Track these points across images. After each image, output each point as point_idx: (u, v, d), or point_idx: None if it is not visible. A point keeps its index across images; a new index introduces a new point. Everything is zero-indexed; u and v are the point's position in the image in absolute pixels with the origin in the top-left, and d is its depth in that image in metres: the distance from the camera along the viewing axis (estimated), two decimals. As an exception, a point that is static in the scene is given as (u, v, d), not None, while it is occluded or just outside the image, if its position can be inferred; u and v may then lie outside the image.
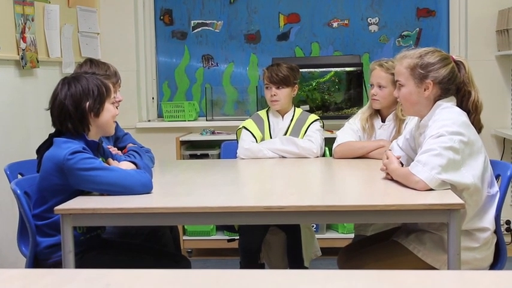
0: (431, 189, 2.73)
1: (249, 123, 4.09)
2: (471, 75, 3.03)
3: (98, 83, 2.96)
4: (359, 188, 2.93)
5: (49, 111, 2.95)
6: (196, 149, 5.27)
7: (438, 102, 2.95)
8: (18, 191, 2.90)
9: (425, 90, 2.95)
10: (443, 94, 2.96)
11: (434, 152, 2.75)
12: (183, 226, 5.20)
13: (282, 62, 4.14)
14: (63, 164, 2.75)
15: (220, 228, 5.14)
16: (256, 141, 4.01)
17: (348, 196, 2.90)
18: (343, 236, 5.02)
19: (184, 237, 5.22)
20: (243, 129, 4.05)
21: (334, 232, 5.19)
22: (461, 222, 2.80)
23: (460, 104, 2.99)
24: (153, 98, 5.76)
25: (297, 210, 2.63)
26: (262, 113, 4.16)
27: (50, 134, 2.96)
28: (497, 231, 2.96)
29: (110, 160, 3.05)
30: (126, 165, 3.00)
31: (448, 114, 2.89)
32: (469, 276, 1.81)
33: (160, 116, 5.76)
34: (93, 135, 2.96)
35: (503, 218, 5.21)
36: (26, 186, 3.00)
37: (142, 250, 3.21)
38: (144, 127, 5.53)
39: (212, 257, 5.24)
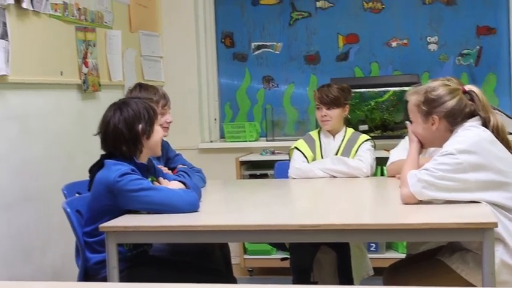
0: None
1: (301, 143, 4.14)
2: (486, 102, 3.06)
3: (146, 106, 3.10)
4: (395, 207, 2.95)
5: (99, 135, 3.09)
6: (256, 169, 5.35)
7: (464, 124, 3.00)
8: (69, 210, 3.06)
9: (432, 124, 3.03)
10: (453, 125, 3.02)
11: (437, 174, 2.84)
12: (244, 245, 5.29)
13: (333, 83, 4.20)
14: (112, 185, 2.88)
15: (274, 247, 5.19)
16: (308, 161, 4.06)
17: (381, 215, 2.93)
18: (402, 255, 4.99)
19: (245, 256, 5.31)
20: (295, 150, 4.11)
21: (394, 252, 5.18)
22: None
23: None
24: (215, 119, 5.89)
25: (334, 228, 2.68)
26: (313, 134, 4.21)
27: (101, 155, 3.10)
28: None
29: (161, 179, 3.16)
30: (176, 185, 3.10)
31: (467, 132, 2.92)
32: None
33: (222, 136, 5.88)
34: (143, 157, 3.09)
35: None
36: (78, 205, 3.15)
37: (189, 267, 3.31)
38: (206, 148, 5.66)
39: (273, 276, 5.30)
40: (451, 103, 3.01)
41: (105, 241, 2.86)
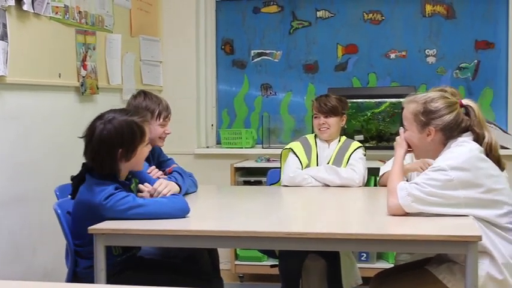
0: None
1: (297, 146, 4.17)
2: (481, 118, 3.07)
3: (134, 129, 2.99)
4: (383, 217, 2.98)
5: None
6: (251, 176, 5.38)
7: (457, 139, 3.02)
8: (59, 211, 3.09)
9: (427, 135, 3.04)
10: (448, 139, 3.04)
11: (426, 190, 2.86)
12: (235, 251, 5.32)
13: (331, 93, 4.26)
14: (99, 208, 2.86)
15: (263, 254, 5.20)
16: (302, 167, 4.08)
17: (369, 225, 2.96)
18: (393, 266, 5.01)
19: (236, 262, 5.34)
20: (290, 154, 4.13)
21: (385, 262, 5.19)
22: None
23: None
24: (212, 125, 5.93)
25: (321, 237, 2.70)
26: (310, 138, 4.23)
27: (83, 165, 3.08)
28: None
29: (140, 186, 3.15)
30: (171, 186, 3.16)
31: (460, 148, 2.94)
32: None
33: (219, 142, 5.91)
34: (123, 174, 3.06)
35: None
36: (69, 207, 3.16)
37: (178, 271, 3.34)
38: (202, 153, 5.69)
39: (263, 282, 5.33)
40: (449, 117, 3.02)
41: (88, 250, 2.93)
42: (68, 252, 3.21)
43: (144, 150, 3.07)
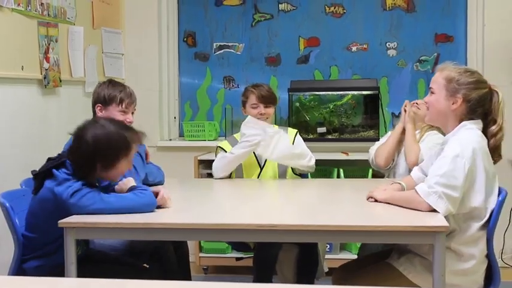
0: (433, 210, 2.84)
1: (224, 143, 4.27)
2: (502, 106, 3.12)
3: (120, 142, 2.99)
4: (351, 209, 3.02)
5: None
6: (214, 168, 5.38)
7: (464, 123, 3.06)
8: (7, 204, 3.08)
9: (453, 103, 3.06)
10: (468, 114, 3.06)
11: (443, 181, 2.86)
12: (200, 243, 5.33)
13: (263, 83, 4.33)
14: (65, 205, 2.86)
15: (230, 245, 5.19)
16: None
17: (337, 216, 2.99)
18: (355, 257, 5.07)
19: (201, 254, 5.35)
20: (219, 149, 4.23)
21: (348, 253, 5.26)
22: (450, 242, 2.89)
23: (483, 129, 3.09)
24: (175, 118, 5.92)
25: (291, 229, 2.74)
26: (237, 136, 4.29)
27: (48, 159, 3.05)
28: (489, 256, 3.02)
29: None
30: (128, 181, 3.14)
31: (466, 135, 2.99)
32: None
33: (181, 135, 5.91)
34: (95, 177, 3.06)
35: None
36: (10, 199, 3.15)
37: (142, 268, 3.33)
38: (165, 146, 5.68)
39: (228, 274, 5.35)
40: (479, 92, 3.06)
41: (44, 251, 3.00)
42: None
43: (124, 165, 3.04)
